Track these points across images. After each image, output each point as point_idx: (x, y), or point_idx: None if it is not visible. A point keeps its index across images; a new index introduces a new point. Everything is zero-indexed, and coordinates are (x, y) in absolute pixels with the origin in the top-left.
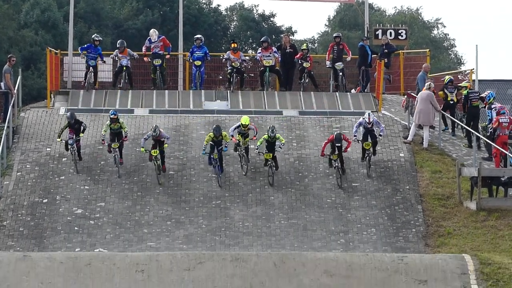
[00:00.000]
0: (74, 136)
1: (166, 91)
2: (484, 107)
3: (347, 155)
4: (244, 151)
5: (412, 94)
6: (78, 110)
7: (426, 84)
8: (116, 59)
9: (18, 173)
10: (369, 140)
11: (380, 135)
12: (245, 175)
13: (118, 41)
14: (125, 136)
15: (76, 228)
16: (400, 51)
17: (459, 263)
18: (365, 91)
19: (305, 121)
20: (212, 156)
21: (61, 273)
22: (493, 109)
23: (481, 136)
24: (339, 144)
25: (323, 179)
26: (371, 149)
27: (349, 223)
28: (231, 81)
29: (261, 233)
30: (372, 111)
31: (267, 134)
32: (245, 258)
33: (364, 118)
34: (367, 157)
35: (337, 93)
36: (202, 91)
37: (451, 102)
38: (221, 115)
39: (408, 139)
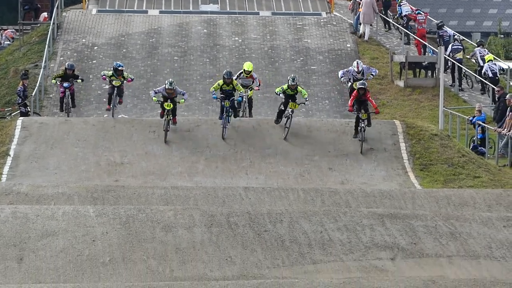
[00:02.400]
0: (67, 86)
1: None
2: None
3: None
4: (246, 103)
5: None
6: (105, 11)
7: None
8: None
9: (61, 58)
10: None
11: (372, 75)
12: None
13: None
14: (131, 79)
15: (104, 99)
16: None
17: (391, 126)
18: None
19: (276, 19)
20: (223, 103)
21: (93, 133)
22: (403, 5)
23: (399, 26)
24: (363, 87)
25: (289, 63)
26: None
27: (309, 96)
28: None
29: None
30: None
31: (287, 83)
32: (231, 123)
33: (352, 67)
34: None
35: None
36: None
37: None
38: (213, 15)
39: (357, 33)
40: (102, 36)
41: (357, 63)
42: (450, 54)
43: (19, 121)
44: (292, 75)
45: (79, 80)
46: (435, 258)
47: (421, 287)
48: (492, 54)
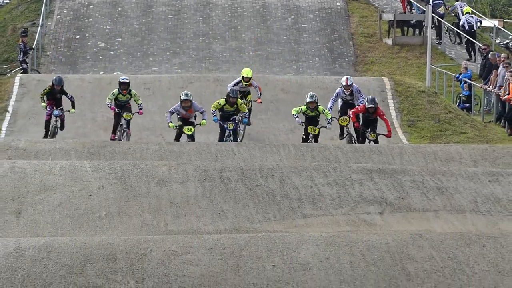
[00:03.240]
0: (56, 109)
1: None
2: None
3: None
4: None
5: None
6: None
7: None
8: None
9: (57, 16)
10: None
11: (359, 105)
12: (240, 141)
13: None
14: (140, 109)
15: (100, 57)
16: None
17: (379, 83)
18: None
19: None
20: (226, 126)
21: (89, 90)
22: None
23: None
24: (373, 105)
25: (281, 21)
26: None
27: (299, 54)
28: None
29: (235, 61)
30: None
31: (305, 102)
32: (223, 79)
33: (341, 87)
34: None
35: None
36: None
37: None
38: None
39: None
40: None
41: (346, 78)
42: (432, 9)
43: (18, 78)
44: (311, 93)
45: (72, 110)
46: (422, 212)
47: (408, 241)
48: (479, 12)
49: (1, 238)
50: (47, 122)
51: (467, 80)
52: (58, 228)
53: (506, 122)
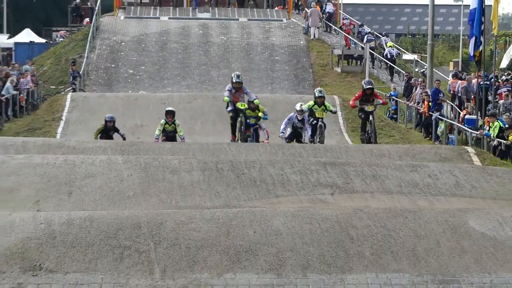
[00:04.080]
0: None
1: (177, 7)
2: None
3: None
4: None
5: (306, 10)
6: (130, 17)
7: (313, 4)
8: None
9: (98, 51)
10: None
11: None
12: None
13: None
14: (182, 139)
15: (129, 80)
16: None
17: (332, 100)
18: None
19: (251, 24)
20: (242, 129)
21: (121, 104)
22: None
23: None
24: (371, 86)
25: (260, 55)
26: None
27: (273, 78)
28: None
29: (227, 83)
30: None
31: (314, 98)
32: (218, 96)
33: (295, 112)
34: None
35: (268, 9)
36: (196, 8)
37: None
38: (206, 20)
39: (308, 34)
40: (128, 35)
41: (300, 105)
42: (366, 43)
43: (69, 95)
44: (319, 88)
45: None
46: (362, 193)
47: (351, 214)
48: (403, 48)
49: (57, 211)
50: None
51: (394, 98)
52: (98, 205)
53: (422, 128)
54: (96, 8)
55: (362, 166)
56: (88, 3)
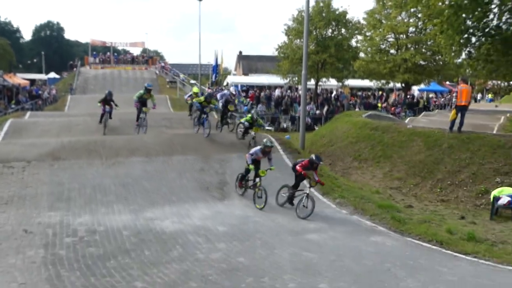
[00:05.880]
0: (107, 108)
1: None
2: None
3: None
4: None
5: None
6: (92, 68)
7: None
8: None
9: (79, 81)
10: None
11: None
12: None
13: None
14: (154, 106)
15: (91, 90)
16: None
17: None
18: None
19: None
20: (205, 110)
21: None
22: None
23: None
24: (319, 162)
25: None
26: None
27: None
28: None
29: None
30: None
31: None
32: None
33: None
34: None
35: None
36: None
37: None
38: None
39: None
40: (91, 74)
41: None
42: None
43: (69, 97)
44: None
45: (117, 107)
46: None
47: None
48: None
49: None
50: (102, 115)
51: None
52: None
53: None
54: (78, 64)
55: None
56: (75, 62)
